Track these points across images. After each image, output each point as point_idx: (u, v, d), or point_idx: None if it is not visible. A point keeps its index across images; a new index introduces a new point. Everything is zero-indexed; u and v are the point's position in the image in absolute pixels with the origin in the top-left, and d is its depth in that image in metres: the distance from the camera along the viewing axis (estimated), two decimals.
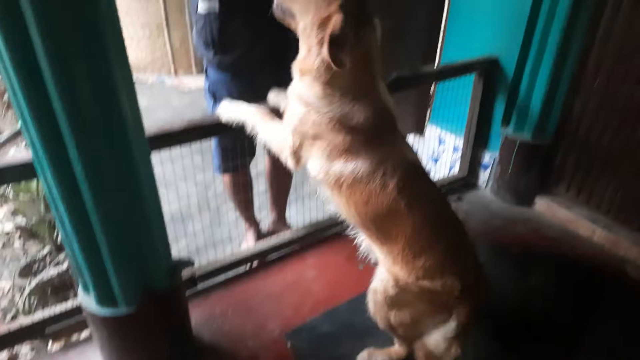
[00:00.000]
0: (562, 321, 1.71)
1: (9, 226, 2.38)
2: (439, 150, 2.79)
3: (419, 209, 1.24)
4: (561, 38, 1.99)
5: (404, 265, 1.26)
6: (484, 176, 2.53)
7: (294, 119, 1.29)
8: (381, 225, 1.27)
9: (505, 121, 2.34)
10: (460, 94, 2.41)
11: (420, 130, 2.87)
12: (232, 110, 1.48)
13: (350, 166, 1.23)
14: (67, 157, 0.99)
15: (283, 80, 1.42)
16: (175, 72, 4.71)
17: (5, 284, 2.06)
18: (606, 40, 1.98)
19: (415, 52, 2.61)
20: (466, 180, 2.56)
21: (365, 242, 1.40)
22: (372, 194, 1.23)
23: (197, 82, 4.62)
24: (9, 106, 4.28)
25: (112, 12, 0.95)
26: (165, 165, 1.57)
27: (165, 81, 4.63)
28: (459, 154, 2.58)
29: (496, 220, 2.29)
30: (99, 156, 1.02)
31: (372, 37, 1.23)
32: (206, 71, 1.98)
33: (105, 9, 0.92)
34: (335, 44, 1.11)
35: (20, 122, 1.00)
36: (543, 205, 2.33)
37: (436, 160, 2.83)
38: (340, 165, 1.23)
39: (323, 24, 1.15)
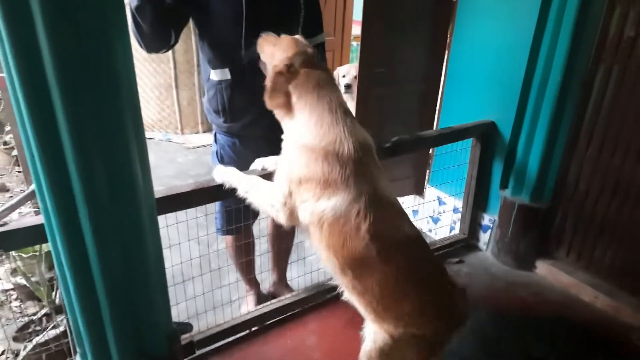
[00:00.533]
0: None
1: (7, 286, 2.36)
2: (439, 210, 2.81)
3: (393, 255, 1.25)
4: (555, 104, 2.08)
5: (386, 316, 1.26)
6: (484, 238, 2.54)
7: (285, 166, 1.36)
8: (358, 271, 1.27)
9: (504, 184, 2.38)
10: (458, 157, 2.47)
11: (419, 191, 2.91)
12: (225, 175, 1.52)
13: (332, 202, 1.25)
14: (78, 224, 1.02)
15: None
16: (182, 130, 4.84)
17: None
18: (596, 114, 2.07)
19: (414, 117, 2.70)
20: (467, 242, 2.56)
21: (345, 293, 1.39)
22: (347, 236, 1.25)
23: (202, 139, 4.74)
24: (17, 162, 4.35)
25: (130, 75, 1.01)
26: (169, 221, 1.60)
27: (172, 139, 4.74)
28: (459, 215, 2.61)
29: (498, 284, 2.27)
30: (109, 222, 1.05)
31: (323, 80, 1.38)
32: (215, 136, 2.05)
33: (124, 73, 0.99)
34: (277, 76, 1.34)
35: (35, 187, 1.04)
36: (544, 269, 2.33)
37: (436, 221, 2.85)
38: (324, 203, 1.26)
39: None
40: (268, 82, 1.37)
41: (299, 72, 1.36)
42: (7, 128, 4.40)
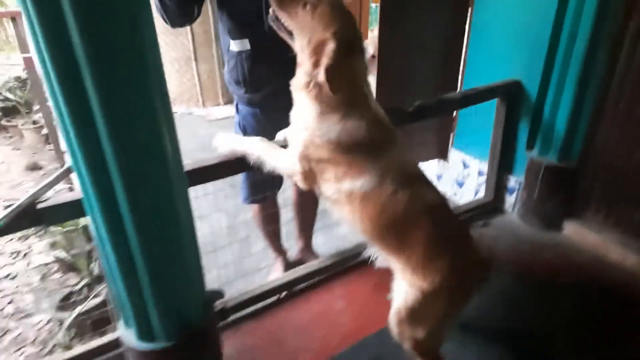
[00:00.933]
0: (593, 353, 1.68)
1: (48, 259, 2.49)
2: (463, 174, 2.79)
3: (429, 212, 1.31)
4: (583, 61, 2.01)
5: (425, 270, 1.30)
6: (510, 200, 2.52)
7: (298, 145, 1.35)
8: (398, 234, 1.32)
9: (530, 145, 2.34)
10: (483, 119, 2.43)
11: (443, 155, 2.88)
12: (231, 143, 1.52)
13: (359, 183, 1.28)
14: (114, 197, 1.07)
15: None
16: (203, 103, 4.87)
17: (45, 317, 2.15)
18: (627, 71, 1.99)
19: (437, 78, 2.64)
20: (492, 205, 2.55)
21: (383, 256, 1.44)
22: (384, 205, 1.28)
23: (224, 112, 4.76)
24: (47, 140, 4.49)
25: (154, 46, 1.03)
26: (197, 194, 1.64)
27: (193, 112, 4.78)
28: (484, 178, 2.59)
29: (524, 246, 2.27)
30: (143, 191, 1.09)
31: (362, 60, 1.34)
32: (237, 106, 2.07)
33: (149, 43, 1.00)
34: (330, 73, 1.21)
35: (72, 162, 1.08)
36: (571, 230, 2.31)
37: (461, 184, 2.84)
38: (349, 184, 1.29)
39: (318, 47, 1.24)
40: (327, 66, 1.21)
41: (353, 56, 1.28)
42: (36, 107, 4.51)
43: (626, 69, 2.00)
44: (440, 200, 1.38)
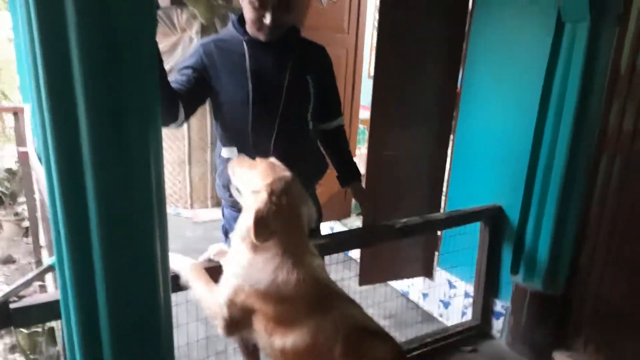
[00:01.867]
0: None
1: None
2: (449, 294, 2.76)
3: None
4: (561, 190, 2.12)
5: None
6: (497, 325, 2.46)
7: (228, 289, 1.26)
8: None
9: (514, 269, 2.36)
10: (467, 240, 2.47)
11: (428, 274, 2.87)
12: (173, 261, 1.42)
13: (290, 339, 1.19)
14: (95, 304, 1.02)
15: None
16: (192, 204, 4.91)
17: None
18: (603, 200, 2.10)
19: (422, 197, 2.74)
20: (480, 329, 2.48)
21: None
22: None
23: (211, 214, 4.77)
24: (26, 233, 4.38)
25: (159, 155, 1.06)
26: (176, 300, 1.57)
27: (181, 213, 4.79)
28: (471, 300, 2.55)
29: None
30: (126, 294, 1.05)
31: (301, 211, 1.31)
32: (222, 210, 2.09)
33: (154, 149, 1.04)
34: (257, 219, 1.20)
35: (56, 259, 1.05)
36: None
37: (447, 305, 2.78)
38: (280, 340, 1.19)
39: (254, 198, 1.27)
40: (255, 215, 1.22)
41: (283, 206, 1.25)
42: (21, 199, 4.48)
43: (602, 200, 2.10)
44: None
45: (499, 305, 2.45)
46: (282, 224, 1.24)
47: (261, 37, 1.66)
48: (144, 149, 1.01)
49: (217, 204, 4.93)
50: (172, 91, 1.61)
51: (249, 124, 1.73)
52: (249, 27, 1.68)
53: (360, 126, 4.15)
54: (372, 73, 6.41)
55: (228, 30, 1.75)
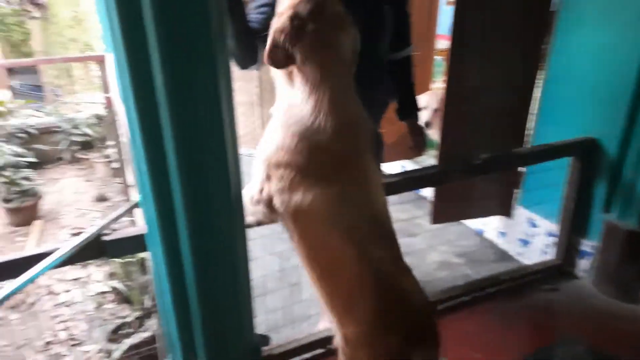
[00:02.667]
0: None
1: (105, 288, 2.55)
2: (530, 232, 2.62)
3: (360, 259, 1.10)
4: None
5: (344, 319, 1.15)
6: (582, 265, 2.32)
7: (265, 145, 1.18)
8: (326, 271, 1.13)
9: (608, 207, 2.17)
10: (554, 176, 2.29)
11: (506, 212, 2.73)
12: None
13: (309, 197, 1.08)
14: (177, 235, 1.07)
15: None
16: None
17: (95, 347, 2.18)
18: None
19: (504, 131, 2.55)
20: (562, 269, 2.35)
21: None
22: (318, 233, 1.11)
23: None
24: (116, 173, 4.75)
25: (229, 93, 1.06)
26: (250, 235, 1.63)
27: (253, 154, 4.93)
28: (553, 239, 2.41)
29: (598, 316, 2.06)
30: (205, 230, 1.09)
31: (333, 33, 1.13)
32: None
33: (224, 91, 1.04)
34: (273, 43, 1.07)
35: (140, 198, 1.11)
36: None
37: (526, 243, 2.66)
38: (300, 196, 1.09)
39: (277, 18, 1.11)
40: (271, 37, 1.10)
41: (307, 31, 1.08)
42: (110, 143, 4.82)
43: None
44: (392, 255, 1.18)
45: (586, 245, 2.29)
46: (307, 52, 1.08)
47: None
48: (214, 91, 1.00)
49: None
50: (250, 32, 1.58)
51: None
52: None
53: (437, 57, 3.89)
54: None
55: None
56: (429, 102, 3.08)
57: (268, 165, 1.15)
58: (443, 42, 3.98)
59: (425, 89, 3.60)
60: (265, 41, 1.67)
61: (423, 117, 3.14)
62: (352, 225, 1.10)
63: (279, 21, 1.10)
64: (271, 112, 1.22)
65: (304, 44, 1.08)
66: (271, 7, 1.62)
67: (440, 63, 3.92)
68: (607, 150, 2.13)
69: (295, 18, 1.08)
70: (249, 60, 1.67)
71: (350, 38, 1.17)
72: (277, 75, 1.18)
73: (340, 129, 1.09)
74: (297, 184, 1.10)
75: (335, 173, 1.11)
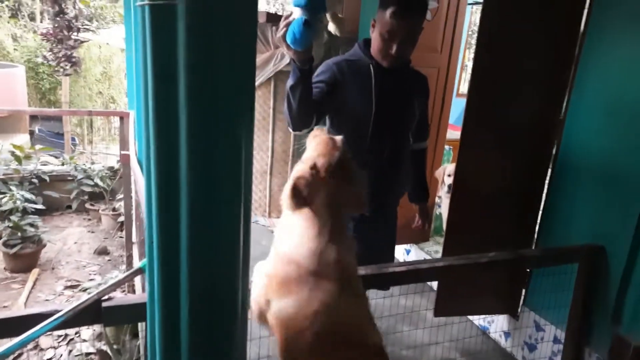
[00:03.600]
0: None
1: (91, 349, 2.46)
2: (536, 337, 2.53)
3: None
4: None
5: None
6: None
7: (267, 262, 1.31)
8: None
9: (617, 318, 2.10)
10: (560, 280, 2.25)
11: (512, 312, 2.66)
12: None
13: (283, 303, 1.19)
14: (178, 309, 1.05)
15: None
16: (269, 213, 5.03)
17: None
18: None
19: (512, 231, 2.55)
20: None
21: None
22: (290, 341, 1.17)
23: None
24: (120, 227, 4.74)
25: (249, 165, 1.08)
26: None
27: (259, 221, 4.93)
28: (560, 346, 2.32)
29: None
30: (208, 304, 1.06)
31: (345, 190, 1.29)
32: None
33: (246, 161, 1.05)
34: (294, 188, 1.22)
35: (147, 266, 1.10)
36: None
37: (532, 348, 2.56)
38: (277, 303, 1.20)
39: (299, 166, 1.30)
40: (291, 182, 1.26)
41: (324, 183, 1.26)
42: (119, 196, 4.87)
43: None
44: None
45: (594, 357, 2.19)
46: (317, 197, 1.24)
47: (385, 63, 1.91)
48: (238, 163, 1.03)
49: None
50: (313, 102, 1.81)
51: (368, 135, 1.94)
52: (375, 53, 1.92)
53: (446, 147, 4.01)
54: (460, 91, 6.22)
55: (355, 52, 2.00)
56: (439, 174, 3.46)
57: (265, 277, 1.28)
58: (452, 133, 4.12)
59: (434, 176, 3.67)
60: (318, 111, 1.87)
61: (447, 182, 3.27)
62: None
63: (301, 168, 1.27)
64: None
65: (319, 195, 1.24)
66: (325, 84, 1.88)
67: (449, 152, 4.02)
68: (615, 259, 2.11)
69: (314, 169, 1.25)
70: (303, 124, 1.86)
71: (352, 192, 1.33)
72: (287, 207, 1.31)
73: (321, 252, 1.21)
74: (277, 290, 1.22)
75: (305, 285, 1.20)
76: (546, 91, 2.35)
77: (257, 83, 4.22)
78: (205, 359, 1.10)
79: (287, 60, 4.05)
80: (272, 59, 4.10)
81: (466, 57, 6.47)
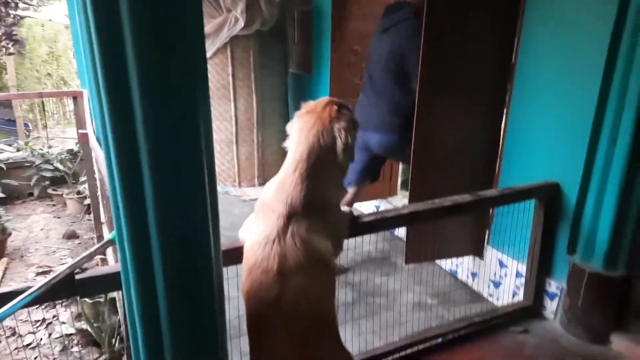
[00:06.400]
0: None
1: (71, 330, 2.46)
2: (500, 273, 2.69)
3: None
4: (625, 166, 1.97)
5: None
6: (551, 306, 2.38)
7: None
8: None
9: (571, 249, 2.25)
10: (519, 218, 2.38)
11: (478, 252, 2.80)
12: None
13: (250, 231, 1.43)
14: (152, 275, 1.07)
15: None
16: (239, 183, 5.01)
17: None
18: None
19: (473, 173, 2.66)
20: (532, 310, 2.41)
21: None
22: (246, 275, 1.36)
23: (258, 192, 4.87)
24: (87, 210, 4.65)
25: (208, 127, 1.09)
26: (226, 275, 1.63)
27: (229, 191, 4.91)
28: (522, 280, 2.48)
29: (568, 359, 2.09)
30: (182, 268, 1.10)
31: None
32: None
33: (204, 125, 1.07)
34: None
35: (116, 234, 1.11)
36: (621, 345, 2.13)
37: (497, 285, 2.72)
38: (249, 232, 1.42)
39: None
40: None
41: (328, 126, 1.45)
42: (83, 178, 4.76)
43: None
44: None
45: (554, 286, 2.36)
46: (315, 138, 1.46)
47: None
48: (195, 129, 1.04)
49: (263, 182, 5.02)
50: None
51: None
52: None
53: None
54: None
55: None
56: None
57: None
58: None
59: None
60: None
61: None
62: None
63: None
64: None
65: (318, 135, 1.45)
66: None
67: None
68: (569, 194, 2.24)
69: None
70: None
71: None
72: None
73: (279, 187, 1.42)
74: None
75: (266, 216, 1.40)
76: (495, 37, 2.40)
77: (213, 50, 4.11)
78: (184, 321, 1.13)
79: (242, 24, 3.95)
80: (226, 24, 3.98)
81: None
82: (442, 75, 2.37)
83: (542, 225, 2.30)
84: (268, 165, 4.98)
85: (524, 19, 2.36)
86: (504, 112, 2.59)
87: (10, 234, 3.98)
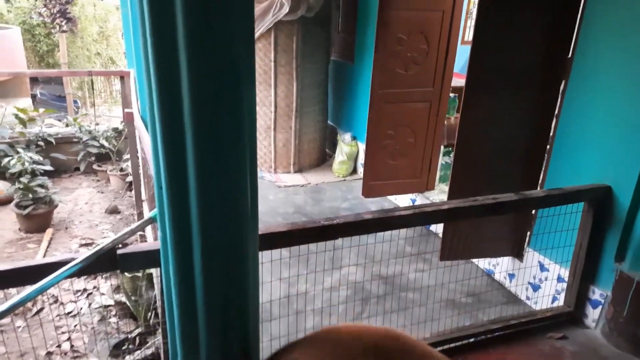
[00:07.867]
0: None
1: (110, 301, 2.55)
2: (540, 277, 2.59)
3: None
4: None
5: None
6: (593, 314, 2.27)
7: None
8: None
9: (620, 256, 2.14)
10: (565, 221, 2.28)
11: (518, 254, 2.71)
12: None
13: None
14: (191, 254, 1.08)
15: None
16: (275, 169, 5.04)
17: None
18: None
19: (516, 174, 2.56)
20: (572, 316, 2.31)
21: None
22: None
23: (293, 179, 4.88)
24: (129, 187, 4.80)
25: (252, 118, 1.08)
26: (261, 259, 1.64)
27: (265, 177, 4.95)
28: (564, 285, 2.38)
29: None
30: (219, 248, 1.10)
31: None
32: None
33: (248, 118, 1.05)
34: None
35: (158, 214, 1.12)
36: None
37: (536, 288, 2.62)
38: None
39: None
40: None
41: None
42: (126, 156, 4.91)
43: None
44: None
45: (597, 294, 2.25)
46: None
47: None
48: (240, 113, 1.03)
49: (299, 169, 5.02)
50: None
51: None
52: None
53: (451, 94, 3.94)
54: (466, 39, 6.04)
55: None
56: None
57: None
58: (458, 81, 4.04)
59: (442, 124, 3.64)
60: None
61: None
62: None
63: None
64: None
65: None
66: None
67: (453, 100, 3.96)
68: (620, 198, 2.12)
69: None
70: None
71: None
72: None
73: None
74: None
75: None
76: (554, 30, 2.28)
77: (256, 34, 4.11)
78: (219, 301, 1.14)
79: (287, 9, 3.93)
80: (271, 9, 3.97)
81: (472, 3, 6.23)
82: (491, 70, 2.28)
83: (589, 229, 2.19)
84: (304, 153, 4.98)
85: (586, 10, 2.22)
86: (556, 108, 2.47)
87: (57, 206, 4.16)
